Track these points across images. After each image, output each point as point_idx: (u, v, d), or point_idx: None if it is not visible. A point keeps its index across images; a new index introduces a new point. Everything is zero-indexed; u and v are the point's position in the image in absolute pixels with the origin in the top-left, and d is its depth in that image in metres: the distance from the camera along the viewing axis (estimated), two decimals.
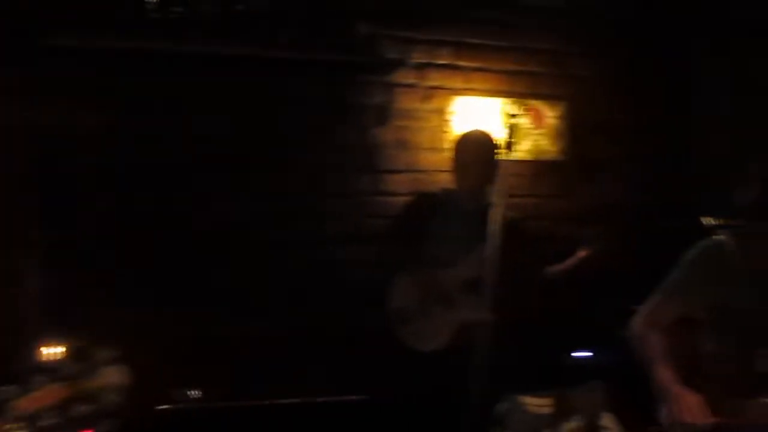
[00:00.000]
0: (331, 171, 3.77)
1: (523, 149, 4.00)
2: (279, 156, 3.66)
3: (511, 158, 3.98)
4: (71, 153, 3.32)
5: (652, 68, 4.21)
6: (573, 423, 2.50)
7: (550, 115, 4.05)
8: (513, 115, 3.96)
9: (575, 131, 4.10)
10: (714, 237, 2.53)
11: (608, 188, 4.08)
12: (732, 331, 2.47)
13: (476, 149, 3.35)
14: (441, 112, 3.92)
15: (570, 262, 3.49)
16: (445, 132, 3.88)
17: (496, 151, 3.42)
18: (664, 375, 2.33)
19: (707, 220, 2.28)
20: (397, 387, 3.09)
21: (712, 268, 2.44)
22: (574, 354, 3.42)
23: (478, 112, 3.93)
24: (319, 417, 2.84)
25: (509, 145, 3.96)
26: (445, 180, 3.49)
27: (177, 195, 3.47)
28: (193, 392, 2.89)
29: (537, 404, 2.54)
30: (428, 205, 3.40)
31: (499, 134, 3.93)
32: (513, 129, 3.97)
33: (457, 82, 3.97)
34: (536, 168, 4.06)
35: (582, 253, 3.50)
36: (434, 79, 3.94)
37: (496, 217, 3.44)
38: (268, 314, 3.53)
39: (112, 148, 3.38)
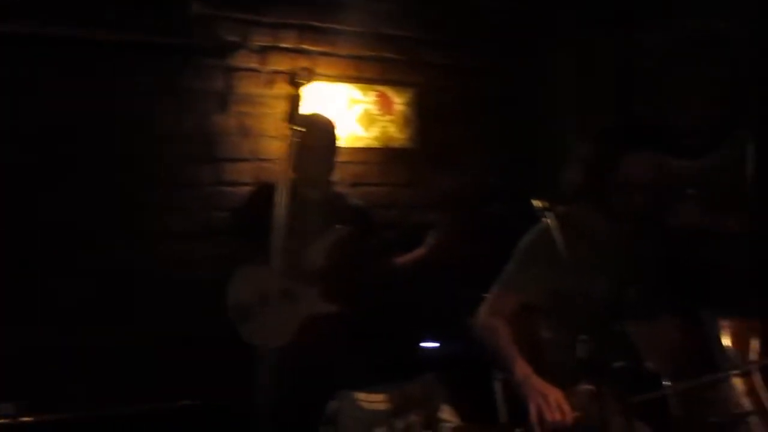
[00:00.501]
0: (167, 161, 3.55)
1: (370, 136, 3.92)
2: (109, 147, 3.40)
3: (359, 146, 3.92)
4: None
5: (502, 55, 4.20)
6: (410, 418, 2.43)
7: (399, 101, 3.97)
8: (360, 102, 3.91)
9: (424, 118, 4.03)
10: (543, 222, 2.52)
11: (457, 176, 4.05)
12: (561, 317, 2.47)
13: (316, 135, 3.23)
14: (285, 98, 3.75)
15: (417, 252, 3.42)
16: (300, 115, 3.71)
17: (337, 137, 3.32)
18: (522, 369, 2.27)
19: (536, 204, 2.23)
20: (235, 389, 2.94)
21: (540, 254, 2.42)
22: (422, 345, 3.35)
23: (324, 98, 3.79)
24: (145, 426, 2.65)
25: (356, 132, 3.93)
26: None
27: None
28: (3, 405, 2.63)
29: (371, 400, 2.45)
30: (270, 194, 3.25)
31: (345, 121, 3.85)
32: (360, 115, 3.91)
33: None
34: (384, 155, 3.98)
35: (430, 243, 3.43)
36: (278, 63, 3.78)
37: (340, 206, 3.36)
38: (101, 319, 3.29)
39: None
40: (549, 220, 2.44)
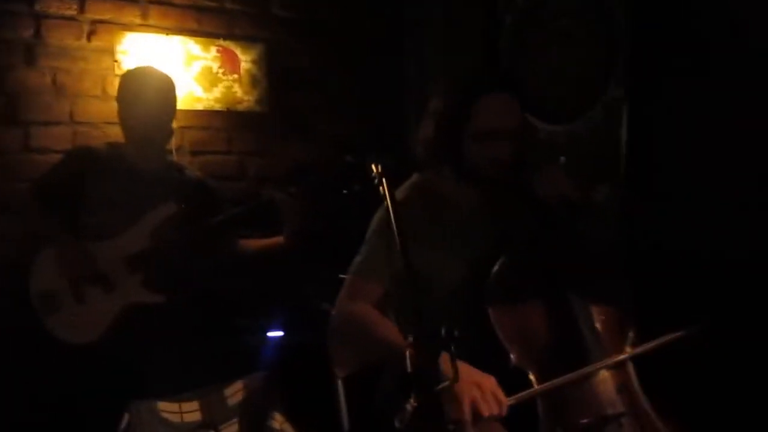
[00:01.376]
0: None
1: (212, 98, 3.44)
2: None
3: (198, 108, 3.44)
4: None
5: (364, 11, 3.79)
6: (227, 429, 2.01)
7: (246, 59, 3.50)
8: (200, 58, 3.42)
9: (274, 79, 3.58)
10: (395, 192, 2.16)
11: (311, 145, 3.63)
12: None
13: (148, 93, 2.74)
14: (109, 51, 3.24)
15: (274, 241, 2.95)
16: (115, 76, 3.20)
17: (174, 97, 2.83)
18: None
19: (373, 168, 1.82)
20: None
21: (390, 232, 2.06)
22: (266, 334, 2.92)
23: (156, 53, 3.29)
24: None
25: (195, 93, 3.44)
26: (115, 134, 2.86)
27: None
28: None
29: (176, 410, 2.01)
30: (84, 162, 2.74)
31: (183, 79, 3.36)
32: (200, 74, 3.43)
33: (129, 16, 3.29)
34: (229, 120, 3.51)
35: (289, 231, 2.92)
36: (100, 11, 3.24)
37: (175, 178, 2.88)
38: None
39: None
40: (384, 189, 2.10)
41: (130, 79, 2.79)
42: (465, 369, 1.74)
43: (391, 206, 1.64)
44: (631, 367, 1.92)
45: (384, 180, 1.68)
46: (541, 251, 2.00)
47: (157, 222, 2.72)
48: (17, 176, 3.05)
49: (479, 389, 1.72)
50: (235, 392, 2.04)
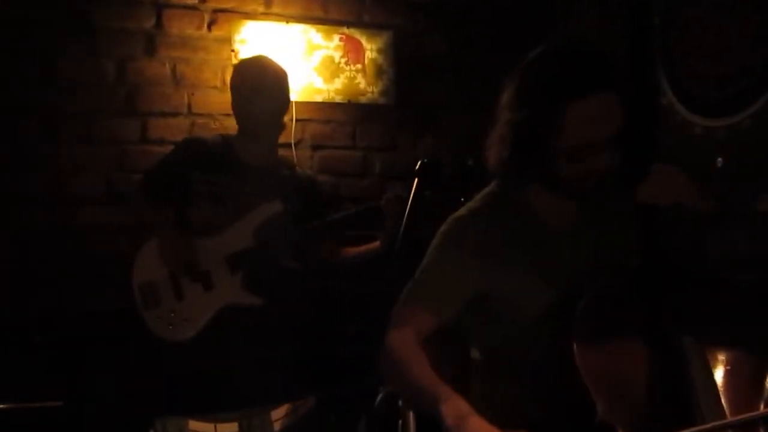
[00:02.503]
0: (77, 114, 2.98)
1: (333, 89, 3.24)
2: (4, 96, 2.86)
3: (317, 100, 3.25)
4: None
5: None
6: None
7: (371, 47, 3.27)
8: (321, 47, 3.23)
9: (403, 69, 3.31)
10: (469, 204, 1.82)
11: (442, 139, 3.33)
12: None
13: (260, 84, 2.57)
14: (228, 41, 3.13)
15: (371, 246, 2.70)
16: (233, 66, 3.08)
17: (288, 88, 2.65)
18: (456, 407, 1.47)
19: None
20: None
21: (463, 251, 1.73)
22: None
23: (276, 42, 3.14)
24: None
25: (315, 84, 3.26)
26: (233, 125, 2.74)
27: None
28: None
29: (203, 431, 1.79)
30: (193, 153, 2.63)
31: (302, 70, 3.19)
32: (321, 63, 3.24)
33: (252, 4, 3.17)
34: (352, 112, 3.29)
35: (386, 236, 2.58)
36: (222, 0, 3.14)
37: (283, 174, 2.72)
38: None
39: None
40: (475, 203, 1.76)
41: (243, 69, 2.64)
42: (477, 424, 1.42)
43: (409, 208, 1.33)
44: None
45: (418, 177, 1.37)
46: (647, 278, 1.58)
47: (261, 220, 2.56)
48: (134, 167, 3.02)
49: None
50: (281, 416, 1.80)
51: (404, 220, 1.46)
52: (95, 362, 2.74)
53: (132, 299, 2.56)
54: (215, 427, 1.80)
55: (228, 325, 2.48)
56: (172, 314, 2.53)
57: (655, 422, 1.46)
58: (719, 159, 2.47)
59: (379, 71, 3.28)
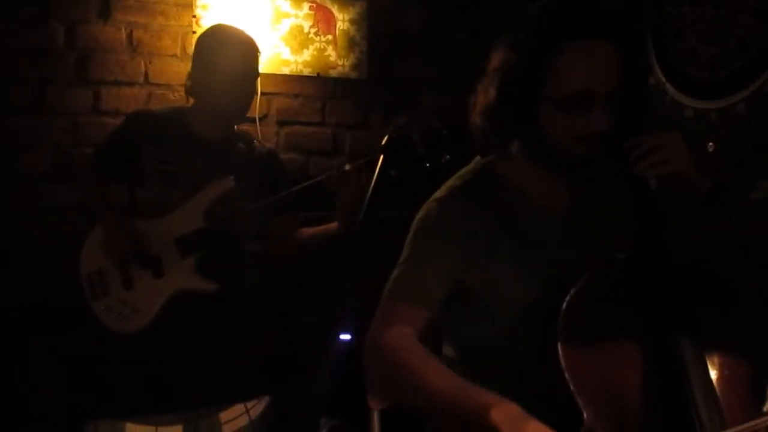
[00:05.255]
0: (26, 82, 2.76)
1: (302, 61, 3.04)
2: None
3: (285, 72, 3.05)
4: None
5: None
6: None
7: (343, 18, 3.08)
8: (290, 15, 3.03)
9: (376, 42, 3.13)
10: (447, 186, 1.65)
11: (419, 117, 3.15)
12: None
13: (226, 56, 2.35)
14: (189, 6, 2.92)
15: (322, 228, 2.51)
16: (193, 33, 2.88)
17: (256, 62, 2.44)
18: (501, 406, 1.28)
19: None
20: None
21: (445, 238, 1.56)
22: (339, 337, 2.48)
23: (240, 9, 2.93)
24: None
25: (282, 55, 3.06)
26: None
27: None
28: None
29: None
30: (143, 127, 2.41)
31: (269, 40, 2.99)
32: (289, 33, 3.04)
33: None
34: (321, 87, 3.10)
35: (342, 218, 2.36)
36: None
37: (239, 149, 2.51)
38: None
39: None
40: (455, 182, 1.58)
41: (205, 39, 2.43)
42: (538, 429, 1.24)
43: (373, 187, 1.17)
44: None
45: (383, 154, 1.20)
46: (641, 271, 1.42)
47: (212, 199, 2.35)
48: (86, 140, 2.81)
49: None
50: (232, 418, 1.63)
51: (366, 201, 1.28)
52: (37, 355, 2.55)
53: (80, 288, 2.37)
54: (156, 430, 1.63)
55: (181, 315, 2.29)
56: (121, 304, 2.33)
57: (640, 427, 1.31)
58: (710, 144, 2.33)
59: (351, 43, 3.09)
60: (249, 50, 2.39)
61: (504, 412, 1.28)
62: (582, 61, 1.43)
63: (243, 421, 1.65)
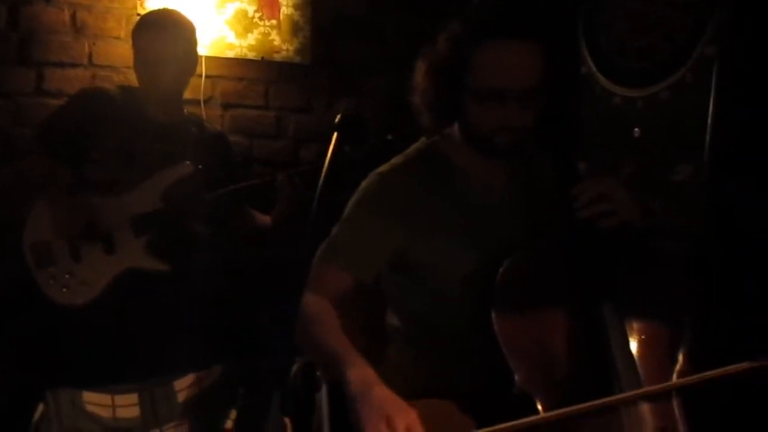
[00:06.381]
0: None
1: (246, 45, 3.08)
2: None
3: (230, 56, 3.09)
4: None
5: None
6: (172, 429, 1.66)
7: (287, 3, 3.12)
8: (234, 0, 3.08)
9: (320, 26, 3.18)
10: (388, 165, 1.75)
11: (361, 101, 3.24)
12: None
13: (164, 39, 2.42)
14: None
15: (263, 219, 2.60)
16: (137, 15, 2.89)
17: (194, 42, 2.51)
18: (361, 374, 1.42)
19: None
20: None
21: (382, 211, 1.66)
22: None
23: None
24: None
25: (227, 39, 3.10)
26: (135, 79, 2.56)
27: None
28: None
29: (103, 404, 1.66)
30: (94, 105, 2.45)
31: (214, 24, 3.03)
32: (234, 17, 3.08)
33: None
34: (266, 70, 3.15)
35: (276, 216, 2.53)
36: None
37: (192, 132, 2.56)
38: None
39: None
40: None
41: (146, 22, 2.50)
42: (380, 393, 1.37)
43: (327, 165, 1.26)
44: (678, 407, 1.45)
45: (338, 131, 1.29)
46: (570, 245, 1.54)
47: (170, 182, 2.41)
48: (28, 121, 2.80)
49: (389, 423, 1.34)
50: (185, 387, 1.69)
51: (321, 179, 1.37)
52: None
53: (23, 260, 2.38)
54: (113, 398, 1.68)
55: (130, 291, 2.34)
56: (68, 276, 2.35)
57: (574, 392, 1.43)
58: (636, 129, 2.46)
59: (296, 28, 3.14)
60: (181, 32, 2.47)
61: (359, 372, 1.42)
62: (495, 59, 1.55)
63: (196, 389, 1.71)
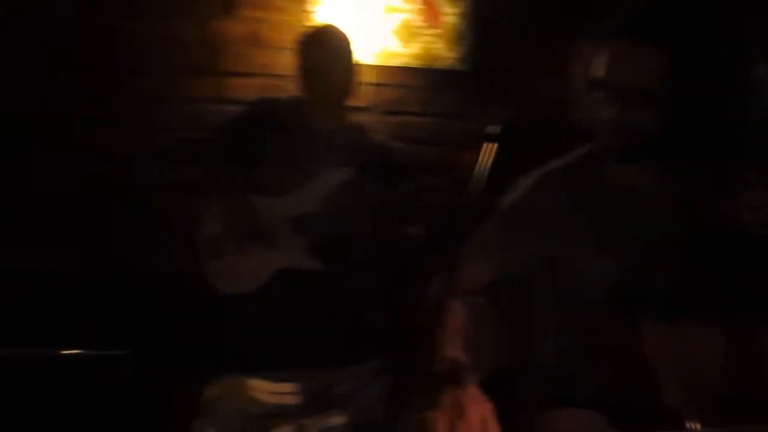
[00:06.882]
0: (157, 72, 3.03)
1: (411, 53, 3.17)
2: (83, 53, 2.94)
3: (394, 64, 3.19)
4: None
5: None
6: (331, 420, 1.75)
7: (451, 12, 3.18)
8: (399, 10, 3.17)
9: (484, 34, 3.21)
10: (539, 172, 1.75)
11: (520, 108, 3.22)
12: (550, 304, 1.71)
13: (329, 51, 2.58)
14: (302, 1, 3.11)
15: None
16: (307, 27, 3.06)
17: (352, 54, 2.63)
18: (450, 354, 1.48)
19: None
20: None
21: (529, 215, 1.67)
22: None
23: (351, 4, 3.09)
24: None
25: (392, 48, 3.20)
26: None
27: None
28: None
29: (269, 390, 1.77)
30: (266, 112, 2.65)
31: (379, 33, 3.14)
32: (398, 27, 3.18)
33: None
34: (428, 78, 3.22)
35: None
36: None
37: (352, 140, 2.69)
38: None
39: None
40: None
41: (310, 37, 2.65)
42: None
43: (484, 172, 1.29)
44: None
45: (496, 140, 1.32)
46: (720, 255, 1.48)
47: (330, 186, 2.55)
48: (208, 126, 3.03)
49: (461, 414, 1.34)
50: (342, 380, 1.77)
51: (478, 186, 1.41)
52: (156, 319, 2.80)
53: (195, 252, 2.59)
54: (274, 386, 1.79)
55: (289, 286, 2.48)
56: (232, 270, 2.54)
57: (728, 408, 1.37)
58: None
59: (459, 36, 3.19)
60: (343, 47, 2.60)
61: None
62: (607, 56, 1.53)
63: (352, 383, 1.78)
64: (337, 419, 1.80)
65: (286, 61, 3.10)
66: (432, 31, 3.17)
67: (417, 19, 3.15)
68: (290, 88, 3.06)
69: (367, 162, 2.60)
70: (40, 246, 2.88)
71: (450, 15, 3.17)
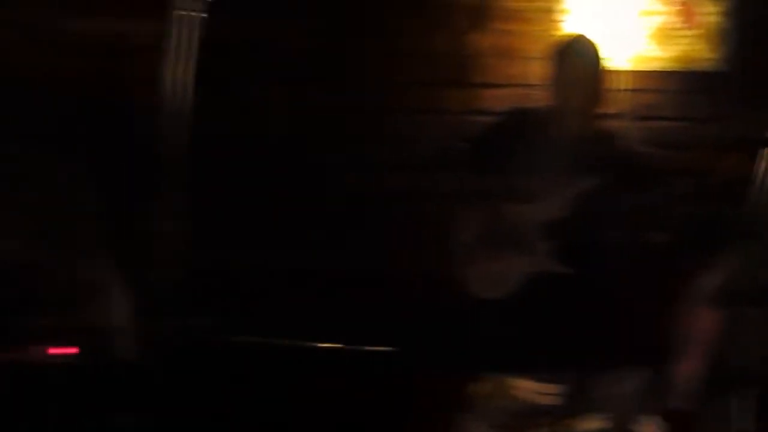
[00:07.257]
0: (410, 83, 3.19)
1: (667, 56, 3.06)
2: (342, 66, 3.19)
3: (651, 68, 3.10)
4: None
5: None
6: (596, 423, 1.72)
7: (712, 11, 3.03)
8: (656, 12, 3.08)
9: (742, 33, 3.02)
10: None
11: None
12: None
13: (582, 61, 2.62)
14: (551, 11, 3.12)
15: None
16: (559, 38, 3.07)
17: (600, 66, 2.64)
18: None
19: None
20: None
21: None
22: None
23: (603, 11, 3.05)
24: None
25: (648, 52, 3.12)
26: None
27: None
28: None
29: (532, 389, 1.78)
30: (519, 123, 2.73)
31: (635, 37, 3.07)
32: (656, 30, 3.09)
33: None
34: (685, 81, 3.09)
35: None
36: None
37: (600, 148, 2.67)
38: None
39: None
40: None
41: (565, 47, 2.68)
42: None
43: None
44: None
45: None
46: None
47: (578, 193, 2.55)
48: (456, 136, 3.14)
49: None
50: (606, 386, 1.75)
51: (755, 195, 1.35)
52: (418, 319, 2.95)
53: (452, 259, 2.69)
54: (536, 386, 1.83)
55: (541, 291, 2.50)
56: (487, 273, 2.59)
57: None
58: None
59: (721, 36, 3.03)
60: (595, 56, 2.61)
61: None
62: None
63: (617, 390, 1.76)
64: (598, 423, 1.78)
65: (536, 71, 3.15)
66: (691, 32, 3.04)
67: (674, 21, 3.04)
68: (541, 98, 3.12)
69: (617, 168, 2.56)
70: (328, 247, 3.14)
71: (711, 15, 3.02)
